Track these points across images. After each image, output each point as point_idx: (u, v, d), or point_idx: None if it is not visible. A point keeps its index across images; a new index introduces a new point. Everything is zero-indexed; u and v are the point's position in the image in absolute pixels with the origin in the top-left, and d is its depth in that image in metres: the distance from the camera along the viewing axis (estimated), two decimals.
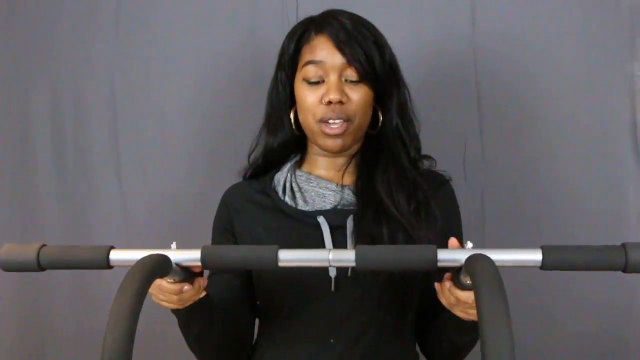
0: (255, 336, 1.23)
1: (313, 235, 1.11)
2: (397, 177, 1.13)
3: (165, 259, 0.84)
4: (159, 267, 0.82)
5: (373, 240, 1.07)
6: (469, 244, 0.84)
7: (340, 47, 1.09)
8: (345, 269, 1.08)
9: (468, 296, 0.88)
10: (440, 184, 1.19)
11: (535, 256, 0.82)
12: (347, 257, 0.84)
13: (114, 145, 1.65)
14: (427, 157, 1.21)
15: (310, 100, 1.11)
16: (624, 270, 0.80)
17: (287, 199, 1.16)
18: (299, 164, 1.21)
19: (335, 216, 1.12)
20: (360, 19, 1.14)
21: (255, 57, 1.58)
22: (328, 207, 1.14)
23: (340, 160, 1.18)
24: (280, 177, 1.19)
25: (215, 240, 1.22)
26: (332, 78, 1.10)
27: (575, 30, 1.48)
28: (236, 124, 1.58)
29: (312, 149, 1.19)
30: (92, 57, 1.66)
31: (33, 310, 1.72)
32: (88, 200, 1.67)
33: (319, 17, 1.15)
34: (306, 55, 1.12)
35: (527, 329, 1.52)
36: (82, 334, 1.68)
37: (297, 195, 1.16)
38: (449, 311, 0.98)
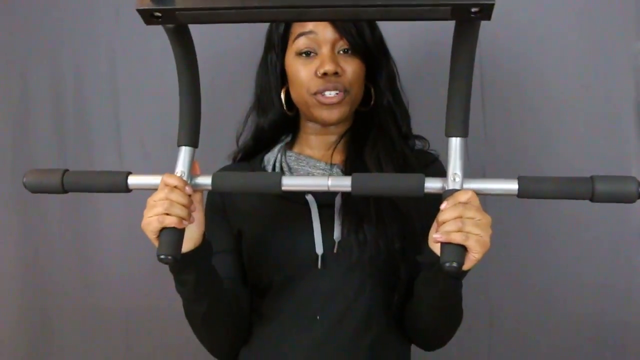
0: None
1: (302, 213, 1.11)
2: (386, 151, 1.13)
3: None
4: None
5: (360, 217, 1.08)
6: (455, 177, 0.91)
7: (332, 22, 1.09)
8: (332, 246, 1.09)
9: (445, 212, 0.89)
10: (430, 161, 1.19)
11: (512, 185, 0.90)
12: (343, 183, 0.93)
13: (114, 124, 1.66)
14: (419, 137, 1.22)
15: (303, 74, 1.11)
16: (591, 199, 0.88)
17: None
18: (289, 145, 1.22)
19: (324, 195, 1.09)
20: None
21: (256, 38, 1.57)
22: None
23: (331, 139, 1.19)
24: (271, 157, 1.19)
25: (210, 224, 1.19)
26: (325, 50, 1.10)
27: (579, 8, 1.47)
28: (239, 103, 1.57)
29: (305, 128, 1.20)
30: (93, 32, 1.65)
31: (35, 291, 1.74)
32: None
33: None
34: (297, 29, 1.12)
35: (527, 311, 1.54)
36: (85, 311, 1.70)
37: (287, 174, 1.16)
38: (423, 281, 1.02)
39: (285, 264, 1.11)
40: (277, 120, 1.19)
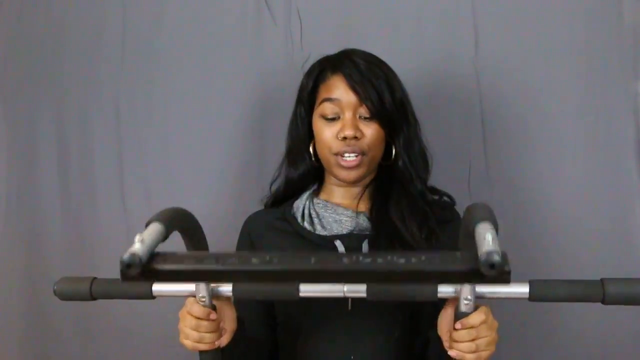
0: None
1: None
2: (409, 207, 1.20)
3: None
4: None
5: None
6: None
7: (353, 86, 1.17)
8: None
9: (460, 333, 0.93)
10: (450, 219, 1.24)
11: (522, 289, 0.92)
12: (359, 289, 0.94)
13: (118, 168, 1.66)
14: (438, 191, 1.28)
15: (326, 135, 1.19)
16: (603, 302, 0.90)
17: (306, 225, 1.23)
18: (316, 193, 1.29)
19: (351, 240, 1.19)
20: (373, 58, 1.21)
21: (260, 79, 1.60)
22: (344, 232, 1.20)
23: (355, 190, 1.26)
24: (300, 204, 1.26)
25: None
26: (347, 115, 1.17)
27: (578, 49, 1.49)
28: (237, 146, 1.61)
29: (329, 179, 1.27)
30: (98, 81, 1.66)
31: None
32: (92, 222, 1.67)
33: (335, 57, 1.23)
34: (323, 93, 1.20)
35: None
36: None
37: (315, 221, 1.23)
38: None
39: (316, 305, 1.15)
40: (305, 171, 1.28)
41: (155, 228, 0.87)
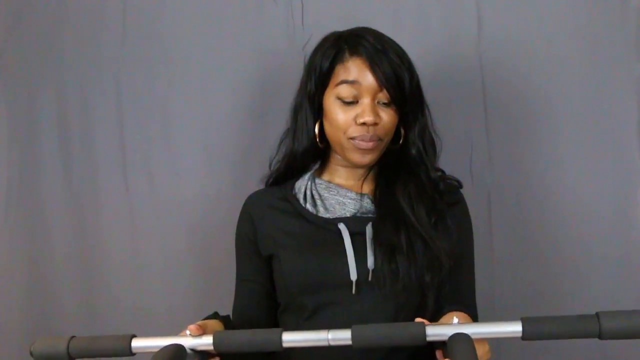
0: None
1: (334, 241, 1.15)
2: (417, 192, 1.18)
3: (180, 347, 0.95)
4: (175, 356, 0.93)
5: (392, 248, 1.11)
6: (455, 320, 0.91)
7: (374, 70, 1.13)
8: (365, 273, 1.11)
9: None
10: (455, 201, 1.23)
11: (515, 327, 0.89)
12: (344, 336, 0.92)
13: (120, 149, 1.66)
14: (446, 176, 1.26)
15: (343, 119, 1.15)
16: (599, 337, 0.86)
17: (308, 206, 1.21)
18: (318, 173, 1.26)
19: (355, 223, 1.16)
20: (391, 41, 1.17)
21: (261, 60, 1.59)
22: (348, 214, 1.18)
23: (359, 171, 1.23)
24: (301, 185, 1.23)
25: (238, 251, 1.28)
26: (366, 100, 1.14)
27: (581, 31, 1.48)
28: (238, 128, 1.61)
29: (334, 159, 1.24)
30: (98, 61, 1.66)
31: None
32: (94, 203, 1.67)
33: (351, 37, 1.17)
34: (340, 75, 1.15)
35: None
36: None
37: (318, 202, 1.21)
38: None
39: (320, 289, 1.14)
40: (310, 150, 1.23)
41: None
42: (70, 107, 1.68)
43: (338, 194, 1.20)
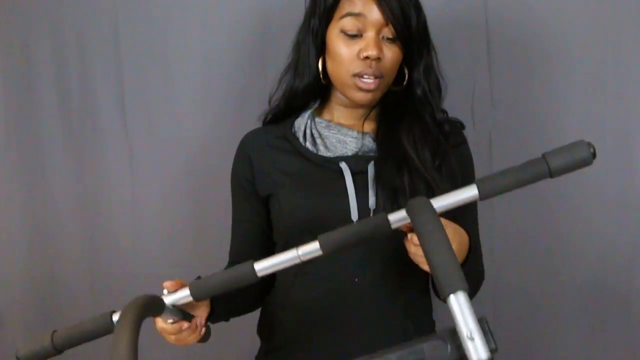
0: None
1: (335, 180, 1.14)
2: (422, 134, 1.16)
3: (157, 298, 0.94)
4: (151, 305, 0.90)
5: (394, 190, 1.11)
6: None
7: (380, 3, 1.10)
8: (366, 213, 1.11)
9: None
10: (459, 142, 1.22)
11: (471, 192, 0.90)
12: (311, 247, 0.93)
13: (118, 89, 1.64)
14: (449, 119, 1.24)
15: (346, 53, 1.12)
16: (550, 176, 0.88)
17: (308, 145, 1.19)
18: (318, 112, 1.24)
19: (357, 162, 1.15)
20: None
21: (262, 3, 1.57)
22: (349, 153, 1.17)
23: (360, 111, 1.21)
24: (301, 123, 1.21)
25: (234, 192, 1.27)
26: (371, 34, 1.11)
27: None
28: (236, 67, 1.59)
29: (335, 98, 1.22)
30: (95, 3, 1.63)
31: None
32: (93, 144, 1.67)
33: None
34: (345, 7, 1.13)
35: (532, 275, 1.55)
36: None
37: (318, 141, 1.19)
38: None
39: (319, 228, 1.11)
40: (311, 86, 1.20)
41: None
42: (67, 49, 1.65)
43: (339, 133, 1.18)
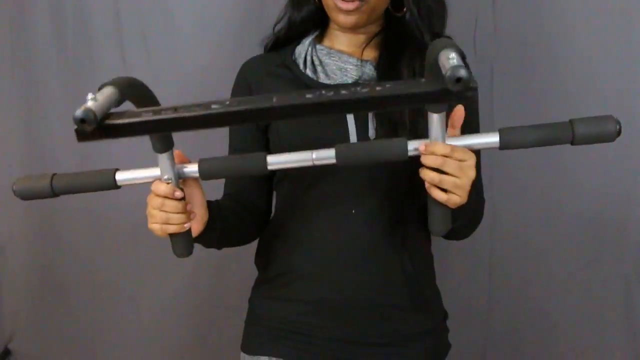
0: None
1: None
2: (422, 65, 1.11)
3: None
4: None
5: (394, 124, 1.09)
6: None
7: None
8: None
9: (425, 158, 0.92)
10: None
11: (492, 138, 0.90)
12: (327, 154, 0.93)
13: (115, 23, 1.62)
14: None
15: None
16: (572, 143, 0.89)
17: (309, 72, 1.17)
18: (319, 39, 1.22)
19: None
20: None
21: None
22: (349, 81, 1.15)
23: (361, 38, 1.19)
24: (302, 50, 1.20)
25: None
26: None
27: None
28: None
29: (333, 24, 1.19)
30: None
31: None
32: (91, 79, 1.64)
33: None
34: None
35: (529, 210, 1.57)
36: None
37: (319, 68, 1.17)
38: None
39: None
40: (309, 14, 1.19)
41: (109, 91, 0.81)
42: None
43: (339, 60, 1.17)
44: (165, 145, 0.94)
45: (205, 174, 0.96)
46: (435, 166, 0.90)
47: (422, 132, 1.07)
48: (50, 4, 1.63)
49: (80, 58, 1.64)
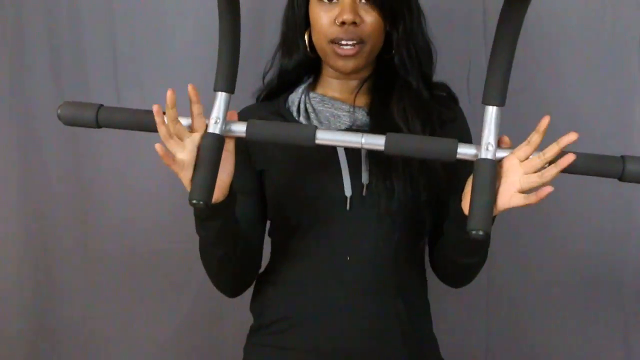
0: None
1: (328, 155, 1.13)
2: (411, 105, 1.14)
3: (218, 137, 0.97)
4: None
5: (387, 166, 1.10)
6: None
7: None
8: (360, 190, 1.11)
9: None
10: (453, 117, 1.20)
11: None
12: (377, 141, 0.95)
13: (111, 61, 1.63)
14: (439, 84, 1.23)
15: (323, 20, 1.11)
16: (620, 179, 0.90)
17: (302, 120, 1.18)
18: (312, 86, 1.23)
19: None
20: None
21: None
22: (342, 127, 1.15)
23: (353, 83, 1.20)
24: (295, 98, 1.20)
25: None
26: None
27: None
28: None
29: (326, 71, 1.20)
30: None
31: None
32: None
33: None
34: None
35: (527, 249, 1.56)
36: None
37: (312, 116, 1.17)
38: (451, 233, 1.04)
39: (314, 204, 1.13)
40: (300, 62, 1.20)
41: None
42: (60, 18, 1.62)
43: (332, 107, 1.17)
44: (228, 84, 0.97)
45: (252, 135, 0.96)
46: (538, 168, 0.91)
47: (414, 176, 1.10)
48: (49, 46, 1.64)
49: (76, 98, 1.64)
